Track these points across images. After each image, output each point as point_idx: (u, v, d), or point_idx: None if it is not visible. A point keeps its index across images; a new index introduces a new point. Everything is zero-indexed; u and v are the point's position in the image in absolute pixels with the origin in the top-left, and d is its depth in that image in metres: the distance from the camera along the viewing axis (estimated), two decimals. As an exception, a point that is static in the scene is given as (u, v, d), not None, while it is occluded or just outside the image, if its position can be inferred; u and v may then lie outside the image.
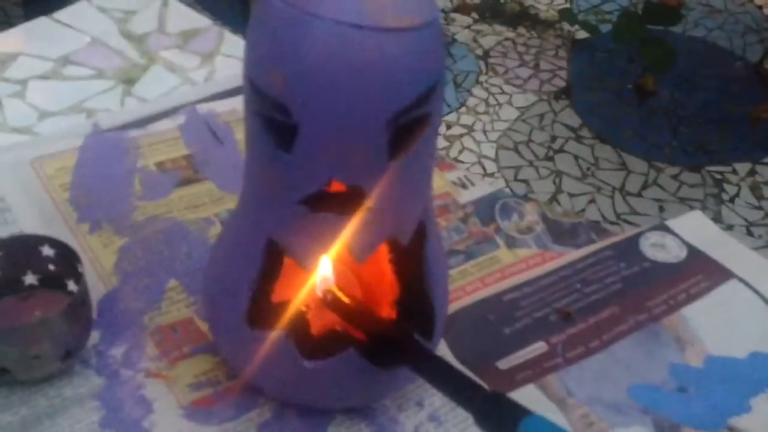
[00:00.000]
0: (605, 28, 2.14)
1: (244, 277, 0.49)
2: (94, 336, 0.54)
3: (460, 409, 0.53)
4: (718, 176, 1.82)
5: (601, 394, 0.55)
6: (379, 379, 0.51)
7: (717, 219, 1.72)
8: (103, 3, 0.82)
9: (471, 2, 2.26)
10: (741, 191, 1.78)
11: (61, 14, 0.80)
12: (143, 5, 0.82)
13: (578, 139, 1.90)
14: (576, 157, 1.85)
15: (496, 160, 1.80)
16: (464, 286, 0.61)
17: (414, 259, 0.50)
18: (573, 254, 0.64)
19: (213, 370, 0.53)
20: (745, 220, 1.72)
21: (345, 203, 0.45)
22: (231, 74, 0.75)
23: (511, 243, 0.65)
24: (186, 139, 0.69)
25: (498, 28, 2.21)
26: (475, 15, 2.24)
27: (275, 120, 0.44)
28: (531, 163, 1.81)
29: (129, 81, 0.74)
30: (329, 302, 0.49)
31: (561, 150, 1.86)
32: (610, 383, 0.56)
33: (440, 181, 0.68)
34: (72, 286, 0.54)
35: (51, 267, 0.54)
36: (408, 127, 0.44)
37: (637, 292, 0.62)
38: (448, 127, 1.88)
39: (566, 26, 2.19)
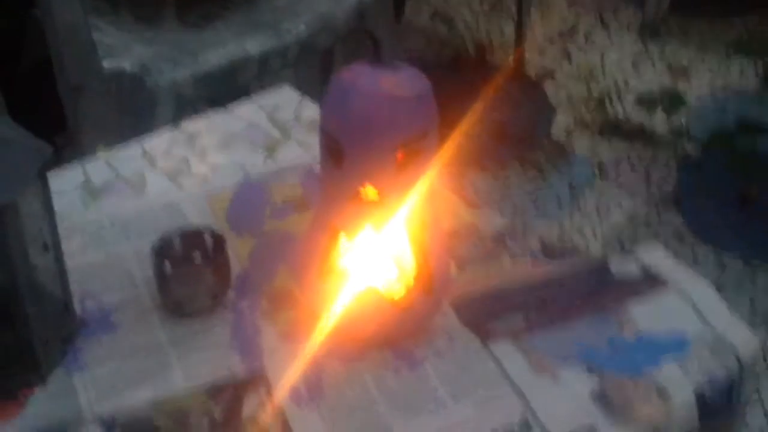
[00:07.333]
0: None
1: (317, 249, 0.81)
2: (231, 294, 0.87)
3: (456, 344, 0.81)
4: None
5: (555, 350, 0.81)
6: (399, 322, 0.80)
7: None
8: (259, 101, 1.20)
9: (591, 121, 2.55)
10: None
11: (233, 107, 1.18)
12: (287, 102, 1.19)
13: (679, 237, 2.10)
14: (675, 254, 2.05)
15: (601, 256, 2.03)
16: (473, 279, 0.89)
17: (420, 241, 0.80)
18: (558, 266, 0.91)
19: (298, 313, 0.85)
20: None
21: (374, 200, 0.76)
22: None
23: (513, 255, 0.93)
24: (302, 184, 1.03)
25: (615, 143, 2.47)
26: (594, 130, 2.51)
27: (333, 148, 0.76)
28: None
29: (272, 149, 1.10)
30: None
31: (664, 249, 2.06)
32: (564, 345, 0.82)
33: (466, 215, 0.98)
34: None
35: (209, 248, 0.89)
36: (409, 154, 0.75)
37: (597, 293, 0.88)
38: (560, 227, 2.14)
39: (679, 142, 2.42)
